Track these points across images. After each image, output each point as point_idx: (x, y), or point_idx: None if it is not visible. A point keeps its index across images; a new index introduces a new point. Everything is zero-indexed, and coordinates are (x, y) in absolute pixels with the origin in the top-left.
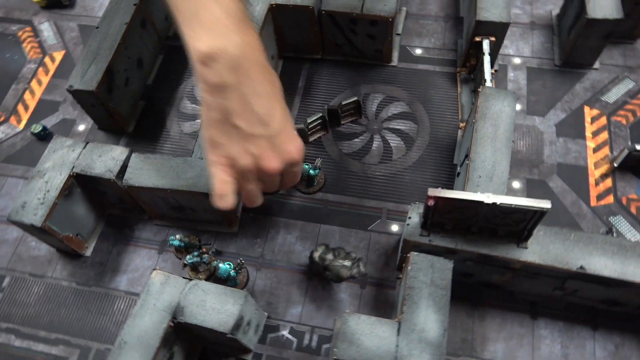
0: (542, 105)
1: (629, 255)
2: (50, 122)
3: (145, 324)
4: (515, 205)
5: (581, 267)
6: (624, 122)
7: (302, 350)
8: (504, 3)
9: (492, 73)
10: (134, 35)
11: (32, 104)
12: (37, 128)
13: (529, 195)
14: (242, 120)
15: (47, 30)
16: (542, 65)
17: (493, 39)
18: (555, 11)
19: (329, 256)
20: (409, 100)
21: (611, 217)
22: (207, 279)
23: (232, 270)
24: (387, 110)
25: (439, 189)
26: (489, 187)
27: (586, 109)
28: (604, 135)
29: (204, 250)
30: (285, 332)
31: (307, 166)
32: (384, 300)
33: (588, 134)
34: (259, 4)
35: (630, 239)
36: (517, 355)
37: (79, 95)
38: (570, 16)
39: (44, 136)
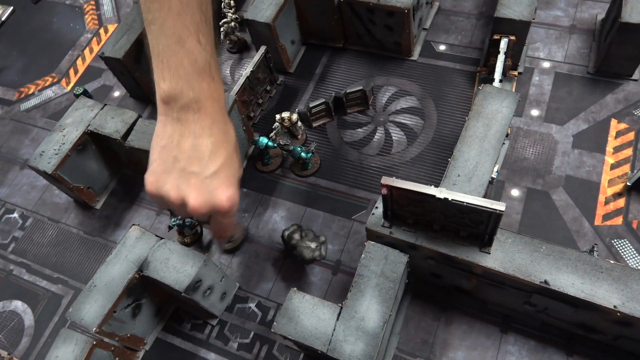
0: (562, 113)
1: (602, 277)
2: (92, 86)
3: (114, 272)
4: (467, 203)
5: (545, 282)
6: None
7: (264, 324)
8: (528, 1)
9: (514, 75)
10: None
11: (81, 69)
12: (79, 90)
13: (526, 205)
14: (182, 154)
15: (107, 4)
16: (573, 71)
17: (513, 37)
18: (602, 15)
19: (296, 236)
20: (421, 96)
21: (615, 240)
22: (192, 244)
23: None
24: (397, 103)
25: (393, 178)
26: (466, 188)
27: (613, 121)
28: (627, 152)
29: (196, 222)
30: (252, 305)
31: (299, 149)
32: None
33: (609, 148)
34: None
35: (633, 266)
36: None
37: (109, 62)
38: (610, 21)
39: None
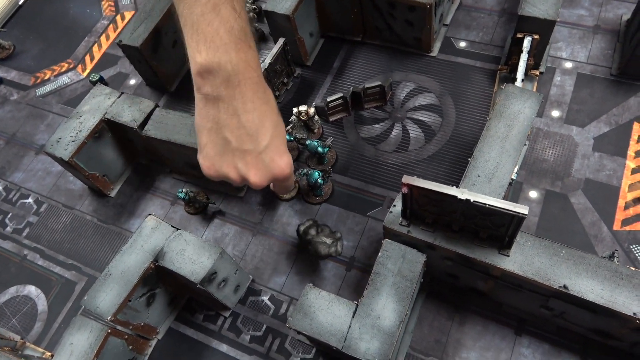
0: (584, 115)
1: (622, 283)
2: (108, 73)
3: (130, 261)
4: (490, 205)
5: (564, 287)
6: None
7: (277, 318)
8: None
9: (535, 74)
10: None
11: (97, 55)
12: (95, 77)
13: (544, 208)
14: (232, 134)
15: None
16: (596, 72)
17: (537, 36)
18: (627, 16)
19: (312, 231)
20: (440, 93)
21: (634, 246)
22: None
23: (320, 178)
24: (415, 100)
25: (414, 177)
26: (485, 189)
27: (636, 125)
28: None
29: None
30: (265, 298)
31: (316, 143)
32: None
33: (631, 152)
34: None
35: None
36: None
37: (126, 50)
38: (636, 22)
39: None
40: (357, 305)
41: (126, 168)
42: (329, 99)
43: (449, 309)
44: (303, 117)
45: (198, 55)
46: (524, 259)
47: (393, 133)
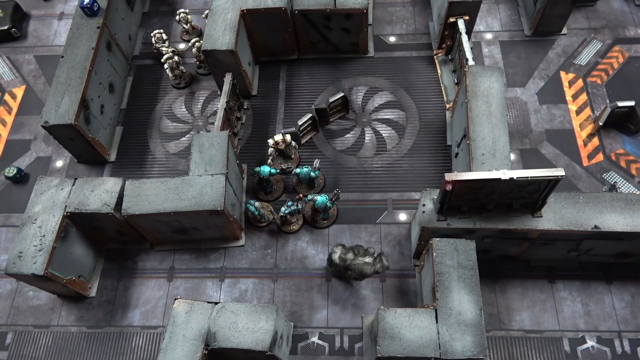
0: (520, 76)
1: (636, 208)
2: (23, 162)
3: (178, 356)
4: (532, 177)
5: (595, 227)
6: (599, 81)
7: (335, 353)
8: None
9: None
10: (102, 60)
11: None
12: (11, 171)
13: (524, 165)
14: None
15: (0, 66)
16: (514, 37)
17: (467, 17)
18: None
19: (349, 255)
20: (393, 89)
21: (605, 174)
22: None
23: (329, 202)
24: (373, 101)
25: (454, 172)
26: (494, 163)
27: (562, 74)
28: (584, 97)
29: (301, 195)
30: (314, 339)
31: (307, 169)
32: (406, 290)
33: (568, 97)
34: (229, 12)
35: (626, 191)
36: (543, 320)
37: (56, 131)
38: None
39: (20, 178)
40: (435, 310)
41: (97, 260)
42: (299, 122)
43: (487, 283)
44: (281, 147)
45: None
46: (555, 215)
47: (367, 138)
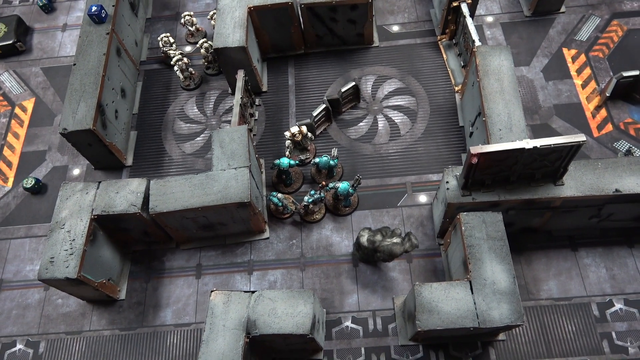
0: (524, 55)
1: None
2: (40, 173)
3: (220, 346)
4: (554, 144)
5: (617, 190)
6: (600, 55)
7: (370, 335)
8: None
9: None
10: (113, 65)
11: (14, 159)
12: (29, 182)
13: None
14: None
15: (8, 80)
16: (514, 18)
17: (469, 1)
18: None
19: (378, 237)
20: (401, 76)
21: (615, 143)
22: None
23: (351, 188)
24: (382, 89)
25: (480, 146)
26: (511, 137)
27: (564, 50)
28: (587, 71)
29: (323, 184)
30: (348, 323)
31: (326, 158)
32: (432, 269)
33: (573, 72)
34: (236, 10)
35: None
36: (570, 288)
37: (74, 137)
38: None
39: (39, 189)
40: (470, 281)
41: (124, 263)
42: (314, 114)
43: (512, 256)
44: (298, 138)
45: None
46: (576, 182)
47: (380, 125)
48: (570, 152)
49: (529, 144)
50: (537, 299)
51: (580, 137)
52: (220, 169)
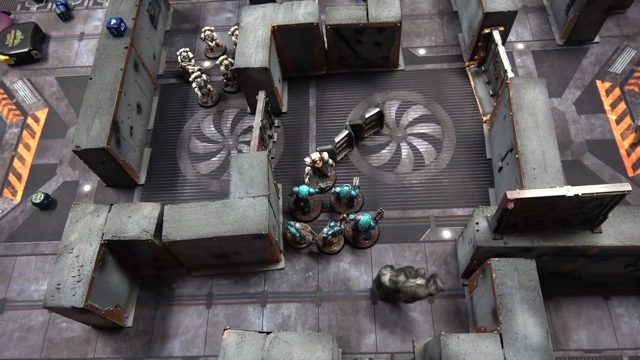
0: (555, 86)
1: None
2: (50, 187)
3: None
4: (597, 193)
5: None
6: (636, 89)
7: None
8: None
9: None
10: (130, 80)
11: (24, 171)
12: (38, 197)
13: (567, 177)
14: None
15: (21, 89)
16: (545, 47)
17: (502, 28)
18: None
19: (401, 277)
20: (426, 102)
21: None
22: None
23: (372, 221)
24: (407, 115)
25: (517, 190)
26: (546, 177)
27: (598, 83)
28: (622, 106)
29: (344, 216)
30: None
31: (347, 187)
32: (455, 311)
33: (607, 107)
34: (259, 28)
35: None
36: (601, 338)
37: (87, 155)
38: None
39: (47, 204)
40: (500, 334)
41: (132, 288)
42: (336, 140)
43: None
44: (318, 165)
45: None
46: (615, 230)
47: (403, 153)
48: (612, 201)
49: (570, 191)
50: (565, 349)
51: (626, 187)
52: (238, 196)
